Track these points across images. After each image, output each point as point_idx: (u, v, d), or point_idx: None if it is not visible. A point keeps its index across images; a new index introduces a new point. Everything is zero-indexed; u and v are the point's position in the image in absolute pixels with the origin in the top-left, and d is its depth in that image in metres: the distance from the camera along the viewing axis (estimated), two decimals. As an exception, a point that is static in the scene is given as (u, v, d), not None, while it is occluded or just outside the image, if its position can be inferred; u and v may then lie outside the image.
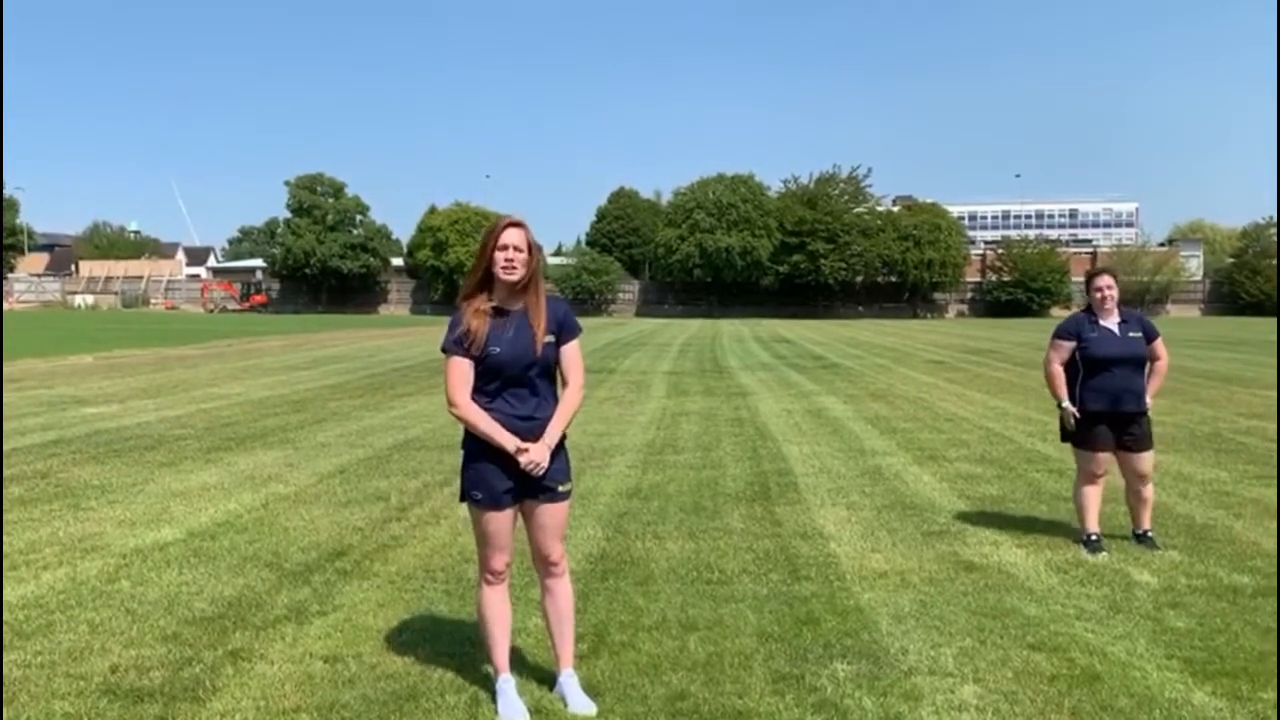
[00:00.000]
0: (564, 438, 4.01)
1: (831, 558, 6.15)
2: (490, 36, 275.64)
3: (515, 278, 3.84)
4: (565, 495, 4.02)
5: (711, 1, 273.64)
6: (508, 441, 3.83)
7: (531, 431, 3.88)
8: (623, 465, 9.37)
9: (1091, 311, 6.48)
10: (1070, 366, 6.47)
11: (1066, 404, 6.43)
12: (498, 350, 3.83)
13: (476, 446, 3.93)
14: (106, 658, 4.46)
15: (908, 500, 7.85)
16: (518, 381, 3.88)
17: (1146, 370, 6.48)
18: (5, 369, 20.25)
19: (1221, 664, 4.41)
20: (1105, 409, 6.33)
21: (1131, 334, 6.38)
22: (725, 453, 10.19)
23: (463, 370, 3.88)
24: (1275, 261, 77.47)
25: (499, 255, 3.83)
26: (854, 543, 6.51)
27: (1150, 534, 6.47)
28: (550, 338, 3.91)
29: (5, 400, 14.61)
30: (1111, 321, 6.41)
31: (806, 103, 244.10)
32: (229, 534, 6.71)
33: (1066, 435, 6.56)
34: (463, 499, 4.01)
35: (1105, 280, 6.44)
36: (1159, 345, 6.50)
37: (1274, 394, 15.29)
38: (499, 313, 3.88)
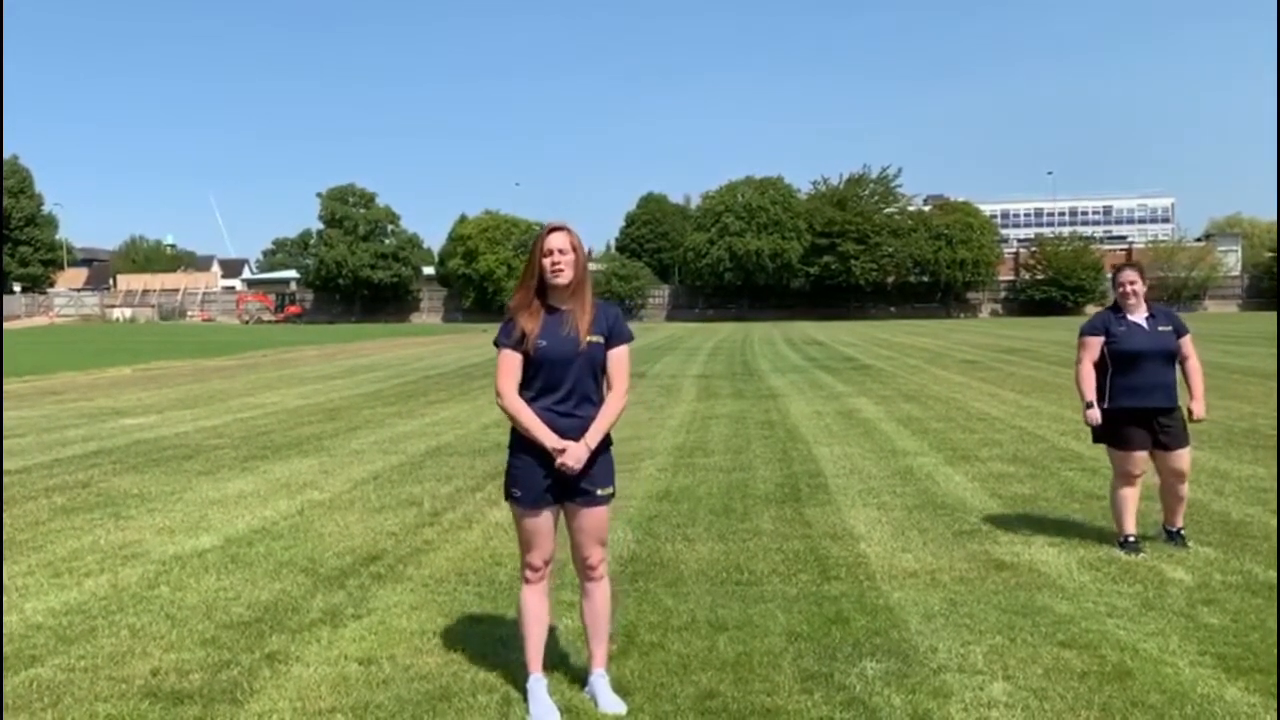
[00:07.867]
0: (609, 442, 4.06)
1: (861, 558, 6.15)
2: (518, 44, 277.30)
3: (563, 280, 3.93)
4: (604, 499, 4.06)
5: (739, 5, 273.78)
6: (547, 438, 3.89)
7: (574, 430, 3.93)
8: (653, 468, 9.41)
9: (1118, 308, 6.39)
10: (1100, 364, 6.37)
11: (1093, 407, 6.31)
12: (545, 344, 3.92)
13: (520, 444, 4.00)
14: (147, 661, 4.56)
15: (939, 500, 7.83)
16: (563, 378, 3.94)
17: (1177, 369, 6.37)
18: (46, 382, 20.66)
19: (1255, 660, 4.38)
20: (1136, 405, 6.21)
21: (1161, 328, 6.27)
22: (755, 455, 10.20)
23: (511, 363, 3.97)
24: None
25: (546, 261, 3.92)
26: (884, 543, 6.51)
27: (1182, 532, 6.40)
28: (599, 338, 3.97)
29: (47, 413, 14.92)
30: (1139, 316, 6.30)
31: (835, 103, 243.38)
32: (265, 540, 6.82)
33: (1099, 436, 6.47)
34: (506, 497, 4.07)
35: (1129, 275, 6.33)
36: (1187, 343, 6.34)
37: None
38: (551, 311, 3.98)
